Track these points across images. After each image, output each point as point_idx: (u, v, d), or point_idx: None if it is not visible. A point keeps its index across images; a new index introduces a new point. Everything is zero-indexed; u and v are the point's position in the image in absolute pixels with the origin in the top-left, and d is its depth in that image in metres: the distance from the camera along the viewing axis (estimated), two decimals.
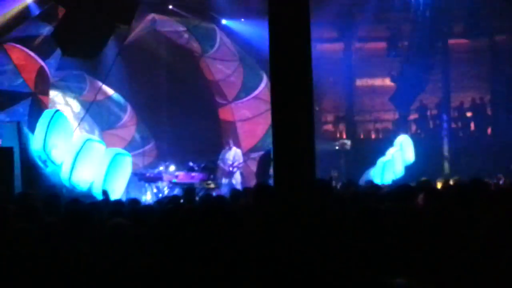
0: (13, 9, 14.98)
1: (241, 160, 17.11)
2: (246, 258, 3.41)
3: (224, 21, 19.05)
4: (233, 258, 3.28)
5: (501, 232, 4.14)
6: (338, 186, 12.07)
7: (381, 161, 15.78)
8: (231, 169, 17.09)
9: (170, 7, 18.20)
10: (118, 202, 8.60)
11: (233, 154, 17.19)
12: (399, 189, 7.37)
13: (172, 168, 17.78)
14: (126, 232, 4.63)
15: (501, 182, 11.41)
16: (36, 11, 14.95)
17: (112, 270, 3.72)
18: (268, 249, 4.05)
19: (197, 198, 10.43)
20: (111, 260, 3.39)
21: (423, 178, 11.20)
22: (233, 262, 3.25)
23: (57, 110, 12.53)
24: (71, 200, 8.05)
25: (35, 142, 11.82)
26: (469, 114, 22.64)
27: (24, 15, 14.95)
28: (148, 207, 7.72)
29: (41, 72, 15.71)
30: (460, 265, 3.88)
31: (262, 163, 15.83)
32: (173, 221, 4.87)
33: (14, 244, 4.43)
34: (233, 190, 10.49)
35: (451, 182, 11.70)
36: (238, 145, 18.15)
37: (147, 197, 15.71)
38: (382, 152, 16.19)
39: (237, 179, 17.01)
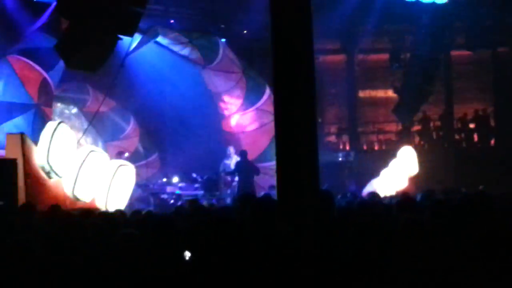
0: None
1: None
2: (252, 268, 3.42)
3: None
4: (239, 267, 3.29)
5: (502, 244, 4.13)
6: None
7: (384, 172, 15.76)
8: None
9: (172, 21, 18.29)
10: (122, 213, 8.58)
11: (234, 163, 17.16)
12: (403, 200, 7.35)
13: (175, 179, 17.78)
14: (137, 242, 4.60)
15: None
16: None
17: (123, 280, 3.72)
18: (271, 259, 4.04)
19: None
20: (123, 270, 3.38)
21: (427, 190, 11.16)
22: (238, 272, 3.25)
23: (60, 122, 12.52)
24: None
25: (39, 154, 11.81)
26: (472, 125, 22.61)
27: None
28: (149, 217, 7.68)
29: (44, 84, 15.74)
30: (464, 278, 3.87)
31: None
32: (179, 230, 4.87)
33: (20, 255, 4.41)
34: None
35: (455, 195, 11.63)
36: None
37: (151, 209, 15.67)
38: (385, 164, 16.17)
39: None
